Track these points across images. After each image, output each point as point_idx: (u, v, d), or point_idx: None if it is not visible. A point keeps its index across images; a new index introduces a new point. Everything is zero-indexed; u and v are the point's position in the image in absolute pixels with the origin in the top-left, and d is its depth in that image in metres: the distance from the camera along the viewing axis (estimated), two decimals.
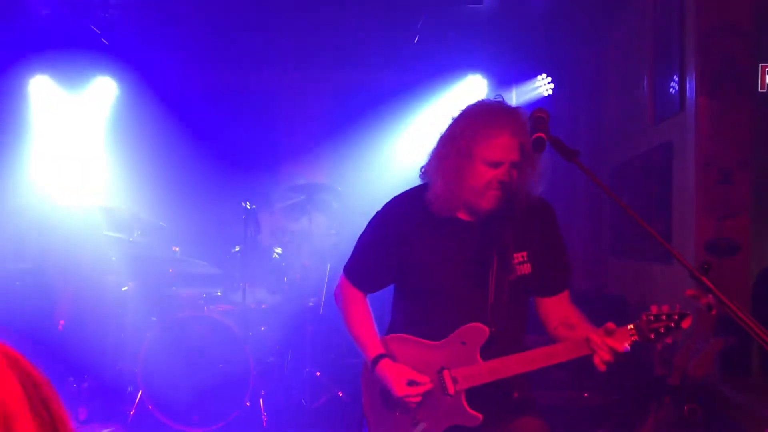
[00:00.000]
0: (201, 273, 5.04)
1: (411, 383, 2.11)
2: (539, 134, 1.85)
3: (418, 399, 2.11)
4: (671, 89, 4.03)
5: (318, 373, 4.90)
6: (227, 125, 6.77)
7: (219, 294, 4.83)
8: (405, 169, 6.72)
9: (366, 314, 2.33)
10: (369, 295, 2.39)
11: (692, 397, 3.07)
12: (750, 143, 3.56)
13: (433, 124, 6.63)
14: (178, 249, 4.81)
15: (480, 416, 2.08)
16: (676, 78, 3.94)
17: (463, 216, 2.20)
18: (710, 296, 1.57)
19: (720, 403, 3.07)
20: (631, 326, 1.92)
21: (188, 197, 6.89)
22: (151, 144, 6.53)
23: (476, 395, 2.10)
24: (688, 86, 3.78)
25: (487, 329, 2.08)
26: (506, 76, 5.97)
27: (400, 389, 2.11)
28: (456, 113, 2.19)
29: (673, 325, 1.88)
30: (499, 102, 2.16)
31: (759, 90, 3.99)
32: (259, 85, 7.04)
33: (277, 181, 6.77)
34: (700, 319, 2.98)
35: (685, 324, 1.88)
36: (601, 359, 1.94)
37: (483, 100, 2.19)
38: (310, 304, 4.80)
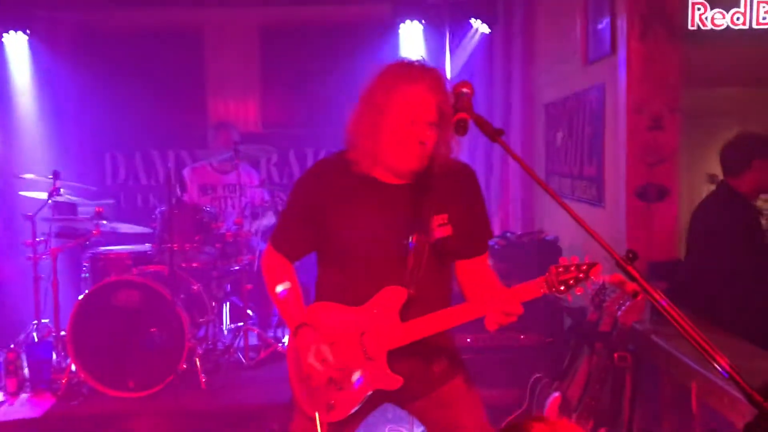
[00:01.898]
0: (128, 233, 4.87)
1: (324, 359, 2.09)
2: (462, 115, 1.76)
3: (322, 377, 2.10)
4: (603, 31, 3.96)
5: (256, 331, 4.85)
6: (152, 64, 6.42)
7: (148, 253, 4.68)
8: (340, 121, 6.57)
9: (291, 282, 2.29)
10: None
11: (622, 344, 3.13)
12: (680, 88, 3.53)
13: (367, 73, 6.49)
14: (102, 210, 4.61)
15: (401, 378, 2.09)
16: (608, 19, 3.87)
17: (384, 178, 2.15)
18: (635, 284, 1.54)
19: (649, 350, 3.14)
20: (541, 279, 1.95)
21: (108, 148, 6.62)
22: (67, 96, 6.18)
23: (399, 362, 2.10)
24: (619, 28, 3.72)
25: (405, 291, 2.08)
26: (441, 20, 5.82)
27: (308, 363, 2.10)
28: (374, 73, 2.13)
29: (582, 275, 1.91)
30: (416, 60, 2.12)
31: (689, 28, 3.96)
32: (183, 19, 6.66)
33: (204, 125, 6.52)
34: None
35: (594, 274, 1.91)
36: (493, 320, 1.99)
37: (400, 58, 2.15)
38: (245, 261, 4.69)
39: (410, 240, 2.10)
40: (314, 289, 2.33)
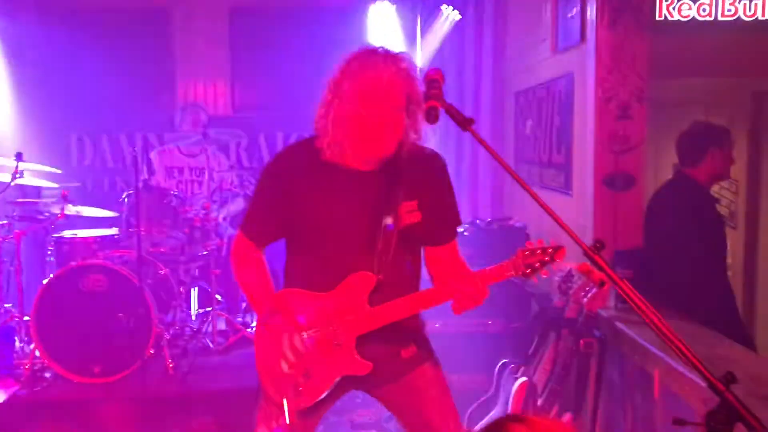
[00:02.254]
0: (94, 217, 4.79)
1: (296, 349, 2.09)
2: (432, 103, 1.76)
3: (294, 365, 2.10)
4: (573, 20, 3.99)
5: (224, 316, 4.82)
6: (120, 44, 6.31)
7: (115, 237, 4.61)
8: (311, 104, 6.51)
9: (260, 268, 2.29)
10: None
11: (588, 330, 3.18)
12: (648, 77, 3.57)
13: (339, 54, 6.45)
14: (68, 193, 4.53)
15: (370, 364, 2.10)
16: (578, 8, 3.89)
17: (353, 164, 2.15)
18: (602, 273, 1.56)
19: (614, 337, 3.19)
20: (507, 262, 1.99)
21: (74, 130, 6.50)
22: (32, 76, 6.05)
23: (367, 348, 2.11)
24: (588, 17, 3.74)
25: (373, 277, 2.09)
26: (413, 3, 5.80)
27: (278, 351, 2.10)
28: (341, 60, 2.13)
29: (547, 258, 1.95)
30: (382, 47, 2.12)
31: (657, 18, 4.01)
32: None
33: (173, 107, 6.43)
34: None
35: (559, 257, 1.95)
36: (460, 305, 2.03)
37: (366, 45, 2.14)
38: (213, 246, 4.65)
39: (389, 223, 2.10)
40: (283, 275, 2.33)
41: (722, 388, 1.34)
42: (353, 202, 2.15)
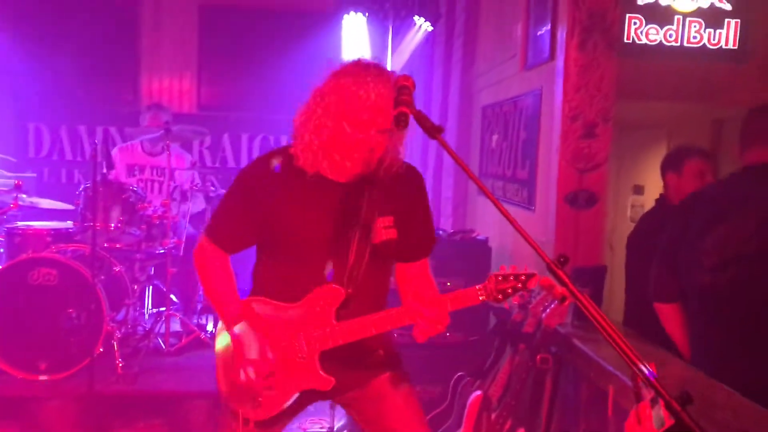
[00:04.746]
0: (49, 209, 4.66)
1: (261, 355, 2.05)
2: (402, 109, 1.74)
3: (260, 375, 2.06)
4: (543, 37, 4.02)
5: (179, 317, 4.72)
6: (84, 34, 6.17)
7: (69, 230, 4.49)
8: (277, 108, 6.46)
9: (227, 275, 2.23)
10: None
11: (545, 345, 3.19)
12: (614, 98, 3.62)
13: (312, 64, 6.44)
14: (22, 183, 4.40)
15: (333, 380, 2.07)
16: (548, 26, 3.93)
17: (330, 176, 2.10)
18: (564, 288, 1.56)
19: (570, 353, 3.21)
20: (480, 287, 1.97)
21: (32, 119, 6.34)
22: None
23: (331, 360, 2.07)
24: (559, 36, 3.77)
25: (343, 291, 2.05)
26: (385, 14, 5.80)
27: (245, 361, 2.06)
28: (330, 70, 2.09)
29: (519, 285, 1.94)
30: (373, 63, 2.06)
31: (625, 41, 4.07)
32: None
33: (136, 101, 6.32)
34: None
35: (531, 284, 1.94)
36: (422, 330, 2.00)
37: (357, 60, 2.09)
38: (171, 244, 4.55)
39: (352, 239, 2.07)
40: (251, 278, 2.28)
41: (678, 408, 1.34)
42: (327, 214, 2.10)
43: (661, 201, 3.67)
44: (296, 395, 2.10)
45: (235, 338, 2.10)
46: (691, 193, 3.11)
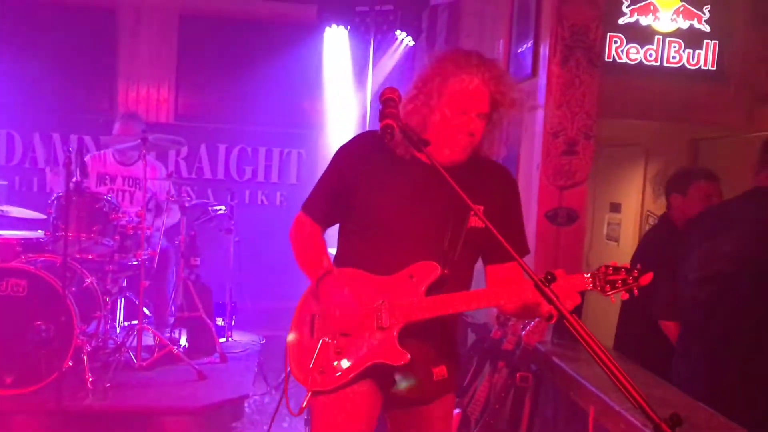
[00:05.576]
0: (20, 218, 4.55)
1: (350, 302, 2.04)
2: (388, 121, 1.71)
3: (354, 316, 2.03)
4: (525, 54, 4.03)
5: (151, 330, 4.62)
6: (59, 40, 6.08)
7: (41, 240, 4.39)
8: (256, 119, 6.41)
9: (321, 244, 2.25)
10: None
11: (525, 363, 3.16)
12: (595, 115, 3.63)
13: (292, 76, 6.44)
14: None
15: (407, 355, 2.00)
16: (531, 43, 3.94)
17: (425, 159, 2.06)
18: (551, 306, 1.53)
19: (550, 371, 3.18)
20: (589, 274, 1.90)
21: (3, 125, 6.21)
22: None
23: (407, 341, 2.02)
24: (541, 52, 3.78)
25: (439, 268, 2.03)
26: (367, 28, 5.80)
27: (331, 303, 2.05)
28: (431, 58, 2.14)
29: (631, 280, 1.86)
30: (475, 51, 2.10)
31: (606, 59, 4.09)
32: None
33: (112, 110, 6.22)
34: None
35: (644, 281, 1.86)
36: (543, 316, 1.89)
37: (459, 48, 2.16)
38: (145, 256, 4.46)
39: (447, 222, 2.05)
40: (334, 262, 2.25)
41: (667, 430, 1.31)
42: (422, 195, 2.09)
43: (664, 219, 3.68)
44: (367, 367, 2.03)
45: (320, 290, 2.10)
46: (699, 213, 3.14)
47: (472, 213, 2.05)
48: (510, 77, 1.94)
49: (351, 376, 2.04)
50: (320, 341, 2.07)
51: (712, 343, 2.75)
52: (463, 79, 2.01)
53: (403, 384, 2.10)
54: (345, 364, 2.04)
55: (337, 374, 2.04)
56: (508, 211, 2.19)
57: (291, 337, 2.19)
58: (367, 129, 2.91)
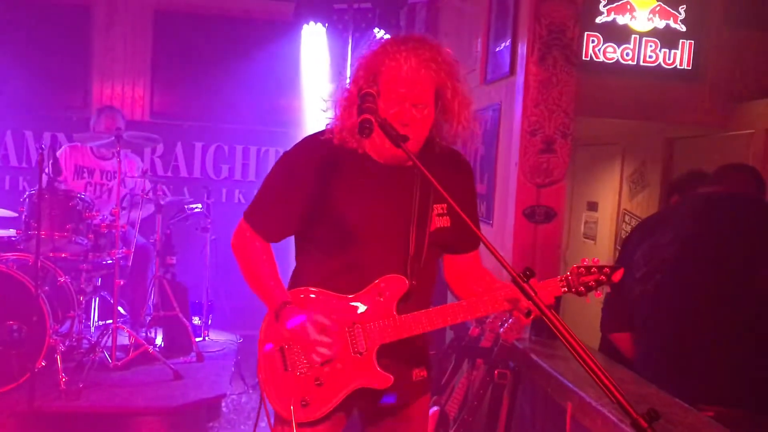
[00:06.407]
0: None
1: (322, 330, 1.90)
2: (366, 116, 1.69)
3: (330, 348, 1.91)
4: (503, 52, 4.03)
5: (126, 330, 4.56)
6: (32, 35, 5.98)
7: (12, 239, 4.31)
8: (233, 117, 6.36)
9: (271, 263, 2.07)
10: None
11: (503, 360, 3.16)
12: (573, 113, 3.64)
13: (270, 74, 6.39)
14: None
15: (390, 377, 1.94)
16: (509, 41, 3.94)
17: (381, 160, 1.97)
18: (530, 302, 1.52)
19: (528, 368, 3.19)
20: (561, 278, 1.89)
21: None
22: None
23: (385, 361, 1.95)
24: (519, 51, 3.79)
25: (407, 282, 1.94)
26: (345, 25, 5.77)
27: (310, 334, 1.89)
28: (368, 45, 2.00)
29: (604, 278, 1.86)
30: (417, 36, 1.93)
31: (583, 58, 4.11)
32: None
33: (86, 107, 6.13)
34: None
35: (616, 278, 1.86)
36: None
37: (400, 35, 1.99)
38: (119, 255, 4.40)
39: (411, 227, 1.94)
40: (290, 279, 2.13)
41: (645, 425, 1.31)
42: (384, 198, 1.98)
43: None
44: (348, 394, 1.96)
45: (286, 315, 1.93)
46: (637, 224, 3.27)
47: (436, 213, 1.99)
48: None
49: (337, 403, 1.98)
50: (297, 373, 1.97)
51: (663, 327, 2.79)
52: (394, 67, 1.85)
53: (388, 397, 2.05)
54: (328, 392, 1.97)
55: (322, 404, 1.97)
56: (468, 201, 2.11)
57: (263, 375, 2.05)
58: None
